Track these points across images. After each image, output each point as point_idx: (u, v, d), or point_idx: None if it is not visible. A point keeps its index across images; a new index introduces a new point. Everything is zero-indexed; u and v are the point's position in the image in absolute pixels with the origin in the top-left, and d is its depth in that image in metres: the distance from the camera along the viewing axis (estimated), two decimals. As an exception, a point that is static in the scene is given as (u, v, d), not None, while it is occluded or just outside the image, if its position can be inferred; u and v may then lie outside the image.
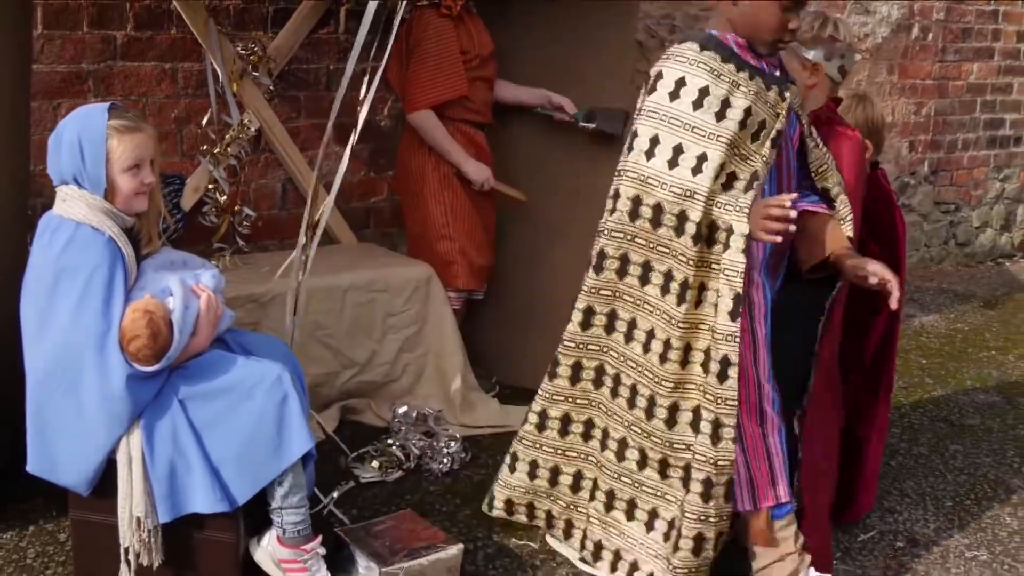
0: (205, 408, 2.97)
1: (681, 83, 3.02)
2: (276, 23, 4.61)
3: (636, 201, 3.06)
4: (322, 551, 3.11)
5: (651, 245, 3.05)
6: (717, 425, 2.98)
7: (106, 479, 2.99)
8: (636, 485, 3.18)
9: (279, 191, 4.81)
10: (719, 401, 2.97)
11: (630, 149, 3.10)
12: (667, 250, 3.02)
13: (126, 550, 3.00)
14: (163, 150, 4.26)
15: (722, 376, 2.95)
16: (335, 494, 3.69)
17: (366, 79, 3.57)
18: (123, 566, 3.03)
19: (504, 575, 3.39)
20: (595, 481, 3.31)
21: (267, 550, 3.11)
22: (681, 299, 2.99)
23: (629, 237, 3.10)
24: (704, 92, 2.98)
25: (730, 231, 2.93)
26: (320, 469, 3.39)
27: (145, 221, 3.11)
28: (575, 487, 3.37)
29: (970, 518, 3.91)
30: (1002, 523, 3.91)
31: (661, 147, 3.01)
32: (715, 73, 3.01)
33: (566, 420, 3.35)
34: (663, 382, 3.05)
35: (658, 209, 3.01)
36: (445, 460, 4.07)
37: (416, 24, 4.37)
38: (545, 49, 4.78)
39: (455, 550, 3.26)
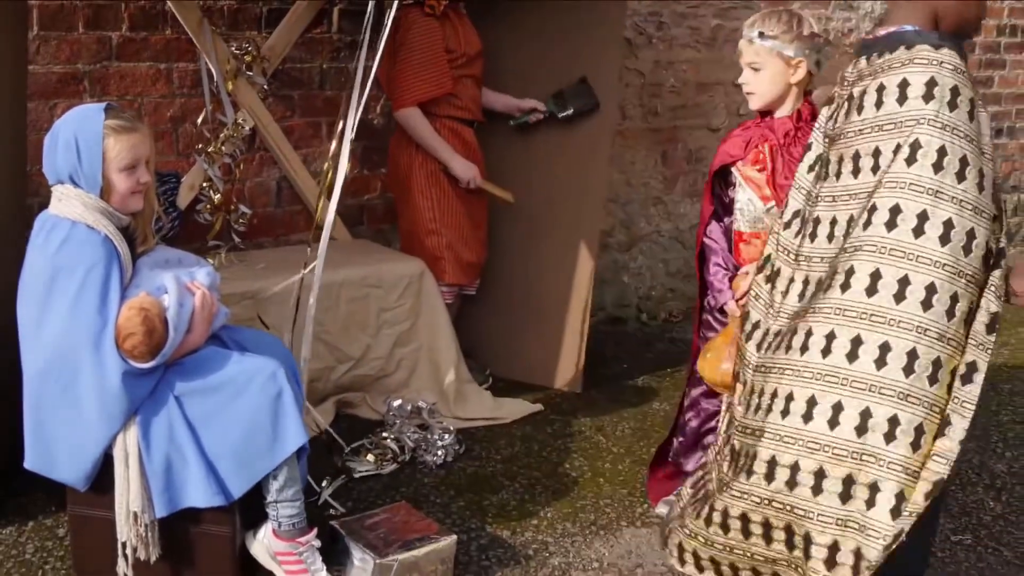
0: (201, 404, 3.01)
1: (972, 102, 2.56)
2: (270, 23, 4.65)
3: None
4: (317, 544, 3.15)
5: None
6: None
7: (103, 475, 3.03)
8: None
9: (274, 189, 4.85)
10: None
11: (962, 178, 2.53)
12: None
13: (123, 544, 3.05)
14: (159, 149, 4.30)
15: None
16: (325, 484, 3.75)
17: (358, 79, 3.61)
18: (120, 560, 3.07)
19: (497, 565, 3.44)
20: None
21: (263, 543, 3.15)
22: None
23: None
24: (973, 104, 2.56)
25: (1001, 255, 2.57)
26: (315, 463, 3.44)
27: (140, 220, 3.15)
28: None
29: (954, 503, 3.95)
30: (986, 507, 3.95)
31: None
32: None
33: None
34: None
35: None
36: (439, 452, 4.11)
37: (402, 23, 4.40)
38: (533, 47, 4.81)
39: (449, 541, 3.30)
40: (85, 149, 2.96)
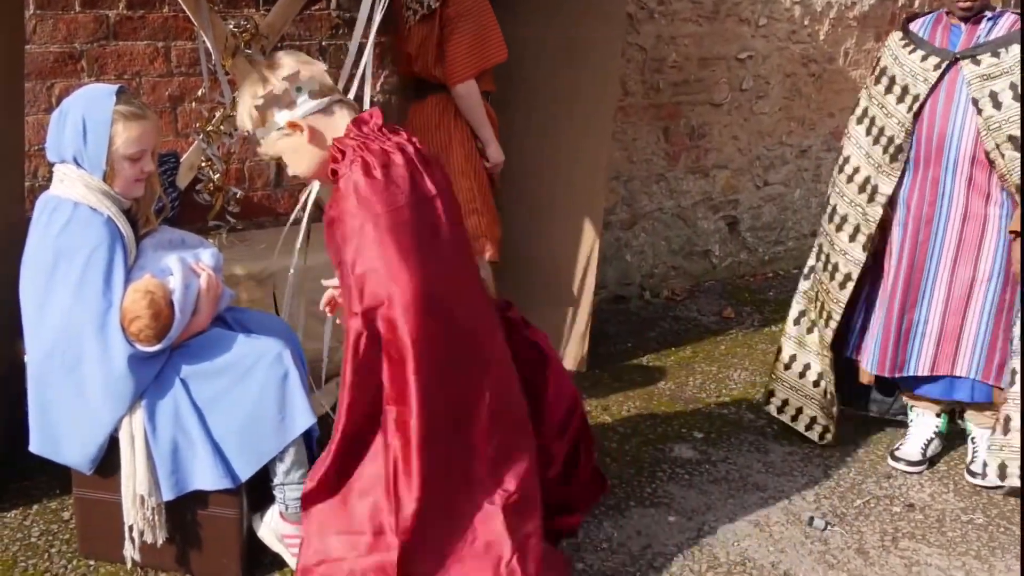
0: (207, 386, 2.99)
1: None
2: (268, 0, 4.60)
3: None
4: (325, 525, 3.13)
5: None
6: None
7: (109, 458, 3.02)
8: None
9: (273, 168, 4.81)
10: None
11: None
12: None
13: (130, 528, 3.04)
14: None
15: None
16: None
17: (366, 56, 3.57)
18: (127, 543, 3.06)
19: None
20: None
21: (270, 526, 3.14)
22: None
23: None
24: None
25: None
26: (321, 445, 3.40)
27: (142, 203, 3.12)
28: None
29: (965, 482, 3.94)
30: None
31: None
32: None
33: None
34: None
35: None
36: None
37: None
38: (536, 22, 4.77)
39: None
40: (92, 132, 2.92)
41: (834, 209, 3.96)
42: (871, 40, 6.50)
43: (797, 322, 4.16)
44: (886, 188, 3.81)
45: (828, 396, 4.04)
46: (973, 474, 3.92)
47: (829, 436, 4.12)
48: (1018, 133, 3.53)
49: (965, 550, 3.51)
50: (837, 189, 3.97)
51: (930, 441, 4.05)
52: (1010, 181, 3.60)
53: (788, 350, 4.18)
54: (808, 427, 4.16)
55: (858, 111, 3.94)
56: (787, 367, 4.18)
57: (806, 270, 4.18)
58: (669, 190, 6.02)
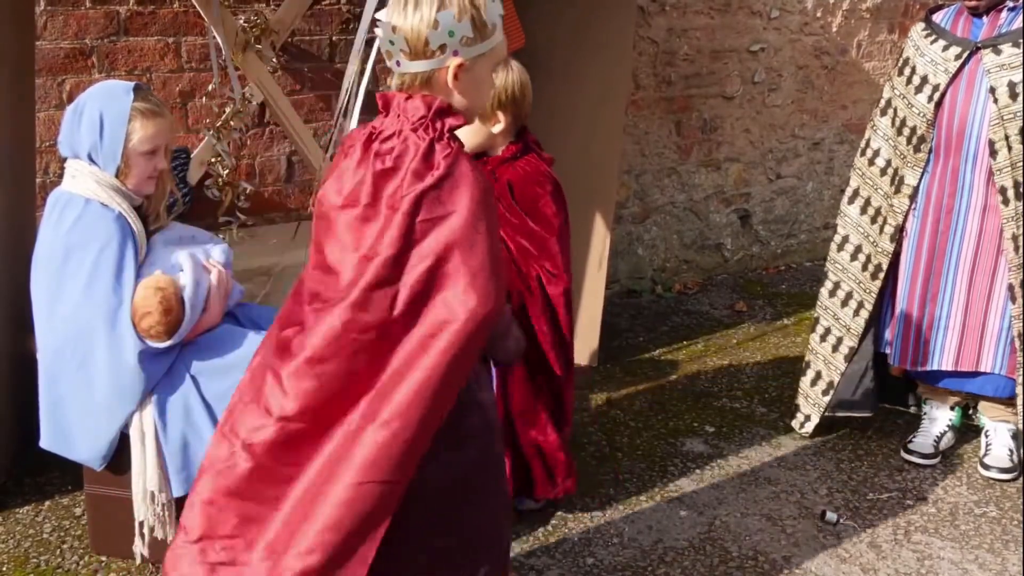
0: (217, 382, 2.99)
1: None
2: (278, -5, 4.60)
3: None
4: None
5: None
6: None
7: (120, 454, 3.02)
8: None
9: (284, 164, 4.81)
10: None
11: None
12: None
13: (141, 524, 3.04)
14: (169, 125, 4.27)
15: None
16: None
17: (372, 50, 3.56)
18: (137, 539, 3.07)
19: (516, 542, 3.41)
20: None
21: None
22: None
23: None
24: None
25: None
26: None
27: (153, 200, 3.12)
28: None
29: (978, 476, 3.92)
30: (1011, 480, 3.94)
31: None
32: None
33: None
34: None
35: None
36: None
37: None
38: (547, 16, 4.75)
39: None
40: (109, 127, 2.93)
41: (868, 201, 3.96)
42: (884, 32, 6.47)
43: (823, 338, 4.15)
44: (912, 179, 3.79)
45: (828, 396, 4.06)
46: (987, 467, 3.90)
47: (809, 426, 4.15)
48: None
49: (978, 543, 3.49)
50: (868, 181, 3.95)
51: (943, 434, 4.04)
52: (1010, 175, 3.57)
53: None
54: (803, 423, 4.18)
55: (882, 103, 3.94)
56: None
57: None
58: (681, 183, 6.00)
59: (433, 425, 2.21)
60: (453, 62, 2.21)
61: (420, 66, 2.22)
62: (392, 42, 2.21)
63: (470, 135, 3.15)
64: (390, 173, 2.19)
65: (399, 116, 2.23)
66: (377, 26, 2.24)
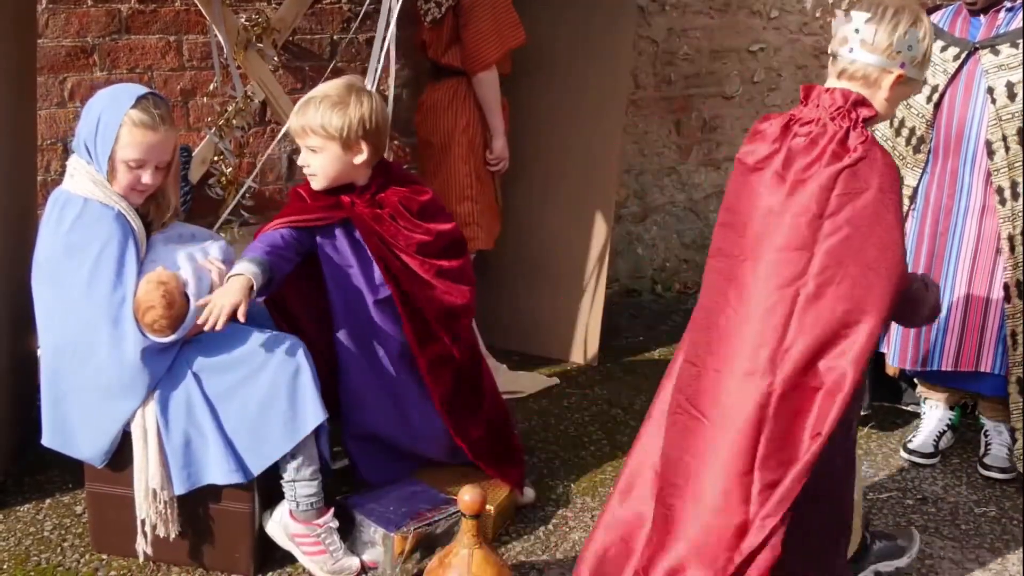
0: (219, 380, 2.99)
1: None
2: (279, -6, 4.61)
3: None
4: (335, 524, 3.13)
5: None
6: None
7: (121, 451, 3.02)
8: None
9: (285, 162, 4.81)
10: None
11: None
12: None
13: (142, 522, 3.04)
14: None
15: None
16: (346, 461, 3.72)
17: (383, 50, 3.57)
18: (139, 537, 3.06)
19: (516, 540, 3.41)
20: None
21: (280, 524, 3.13)
22: None
23: None
24: None
25: None
26: (332, 440, 3.40)
27: (155, 212, 3.11)
28: None
29: (978, 475, 3.92)
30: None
31: None
32: None
33: None
34: None
35: None
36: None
37: None
38: (547, 15, 4.75)
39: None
40: (103, 129, 2.92)
41: None
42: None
43: None
44: (911, 180, 3.80)
45: None
46: (986, 467, 3.90)
47: None
48: None
49: (979, 543, 3.50)
50: None
51: (943, 433, 4.04)
52: (1007, 175, 3.58)
53: None
54: None
55: None
56: None
57: None
58: (681, 183, 6.01)
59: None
60: (897, 71, 2.55)
61: (872, 59, 2.54)
62: (857, 31, 2.55)
63: (330, 164, 3.15)
64: (806, 150, 2.53)
65: (817, 106, 2.57)
66: (845, 17, 2.56)
